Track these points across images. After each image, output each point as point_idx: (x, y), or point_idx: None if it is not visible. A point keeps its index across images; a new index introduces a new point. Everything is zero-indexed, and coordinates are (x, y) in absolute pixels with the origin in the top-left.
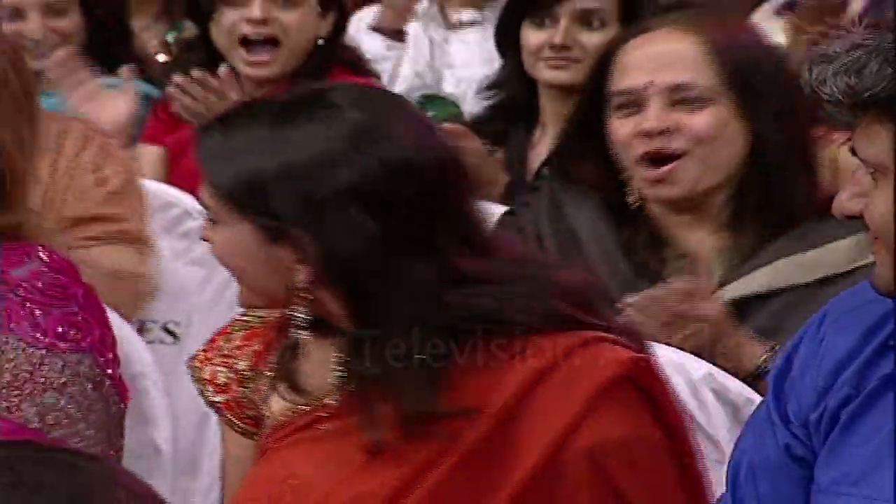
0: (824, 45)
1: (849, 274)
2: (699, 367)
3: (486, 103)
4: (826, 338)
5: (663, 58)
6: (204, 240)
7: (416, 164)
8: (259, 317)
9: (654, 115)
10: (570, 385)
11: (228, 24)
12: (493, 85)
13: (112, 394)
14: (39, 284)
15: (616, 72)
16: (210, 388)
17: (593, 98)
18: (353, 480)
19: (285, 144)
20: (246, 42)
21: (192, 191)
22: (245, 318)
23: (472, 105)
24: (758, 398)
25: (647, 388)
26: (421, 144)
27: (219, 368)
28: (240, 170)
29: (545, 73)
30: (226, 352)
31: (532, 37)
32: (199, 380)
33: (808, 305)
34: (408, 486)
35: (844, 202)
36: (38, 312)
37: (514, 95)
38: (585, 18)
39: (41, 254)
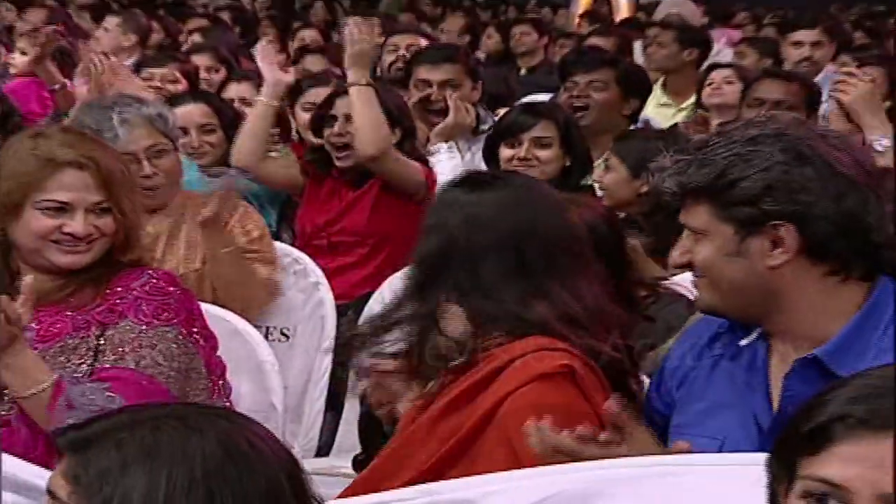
0: (658, 160)
1: None
2: None
3: None
4: (683, 336)
5: None
6: None
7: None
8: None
9: None
10: (517, 375)
11: (326, 134)
12: None
13: (192, 352)
14: (147, 288)
15: None
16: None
17: None
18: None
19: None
20: (332, 145)
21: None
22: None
23: None
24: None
25: (578, 380)
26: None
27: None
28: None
29: None
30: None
31: (505, 153)
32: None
33: None
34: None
35: (676, 258)
36: (143, 305)
37: None
38: (539, 142)
39: (150, 272)
